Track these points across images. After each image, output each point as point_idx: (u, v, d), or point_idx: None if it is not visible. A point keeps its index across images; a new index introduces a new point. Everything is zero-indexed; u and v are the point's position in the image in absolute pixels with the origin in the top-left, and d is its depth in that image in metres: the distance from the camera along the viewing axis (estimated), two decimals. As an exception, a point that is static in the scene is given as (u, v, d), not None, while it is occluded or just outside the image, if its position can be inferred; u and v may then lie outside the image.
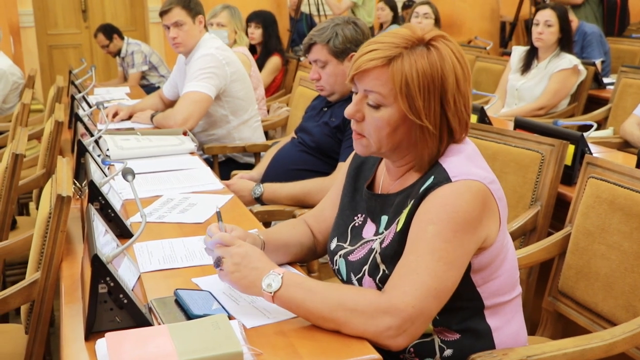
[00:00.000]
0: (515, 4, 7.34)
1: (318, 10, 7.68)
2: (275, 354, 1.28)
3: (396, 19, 7.04)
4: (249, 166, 3.49)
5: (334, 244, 1.62)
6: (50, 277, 1.80)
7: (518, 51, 4.33)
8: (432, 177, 1.42)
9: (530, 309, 2.09)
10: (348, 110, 1.48)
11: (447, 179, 1.39)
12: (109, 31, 6.44)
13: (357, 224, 1.59)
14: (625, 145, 3.25)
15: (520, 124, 2.72)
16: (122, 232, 1.91)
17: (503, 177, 2.24)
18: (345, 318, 1.32)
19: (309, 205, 2.49)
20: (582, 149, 2.40)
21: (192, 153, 2.93)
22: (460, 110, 1.43)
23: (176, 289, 1.50)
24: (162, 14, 3.44)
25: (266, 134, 4.03)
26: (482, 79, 4.83)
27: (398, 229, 1.43)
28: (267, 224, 2.49)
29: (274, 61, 5.25)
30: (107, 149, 2.83)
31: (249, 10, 5.33)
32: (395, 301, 1.32)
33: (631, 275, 1.78)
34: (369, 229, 1.55)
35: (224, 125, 3.54)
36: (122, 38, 6.46)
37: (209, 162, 3.38)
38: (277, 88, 5.32)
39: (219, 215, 1.55)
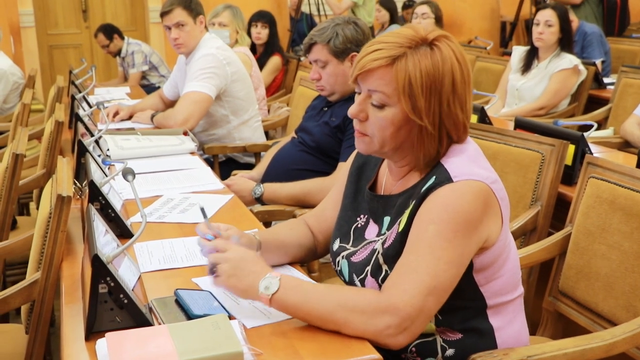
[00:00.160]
0: (516, 3, 7.34)
1: (318, 10, 7.68)
2: (275, 354, 1.28)
3: (394, 20, 7.04)
4: (249, 166, 3.49)
5: (336, 245, 1.62)
6: (51, 277, 1.80)
7: (518, 51, 4.33)
8: (434, 177, 1.41)
9: (530, 309, 2.09)
10: (352, 110, 1.47)
11: (448, 179, 1.39)
12: (109, 31, 6.45)
13: (359, 225, 1.59)
14: (625, 145, 3.25)
15: (520, 124, 2.72)
16: (123, 232, 1.91)
17: (503, 177, 2.23)
18: (345, 319, 1.32)
19: (309, 205, 2.49)
20: (582, 149, 2.40)
21: (192, 153, 2.93)
22: (455, 113, 1.42)
23: (176, 289, 1.50)
24: (163, 14, 3.44)
25: (266, 134, 4.03)
26: (482, 79, 4.82)
27: (400, 230, 1.43)
28: (267, 224, 2.49)
29: (275, 61, 5.26)
30: (108, 149, 2.83)
31: (250, 10, 5.34)
32: (394, 300, 1.32)
33: (631, 275, 1.77)
34: (371, 230, 1.55)
35: (225, 125, 3.54)
36: (122, 38, 6.46)
37: (209, 162, 3.38)
38: (277, 88, 5.33)
39: (203, 212, 1.53)
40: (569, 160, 2.35)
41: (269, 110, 4.50)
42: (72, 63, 6.69)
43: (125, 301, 1.36)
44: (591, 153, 2.39)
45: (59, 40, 7.90)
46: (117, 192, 2.18)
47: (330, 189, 1.79)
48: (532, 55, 4.21)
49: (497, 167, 2.26)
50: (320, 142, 2.63)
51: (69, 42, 7.93)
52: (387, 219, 1.51)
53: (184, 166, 2.71)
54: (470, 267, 1.42)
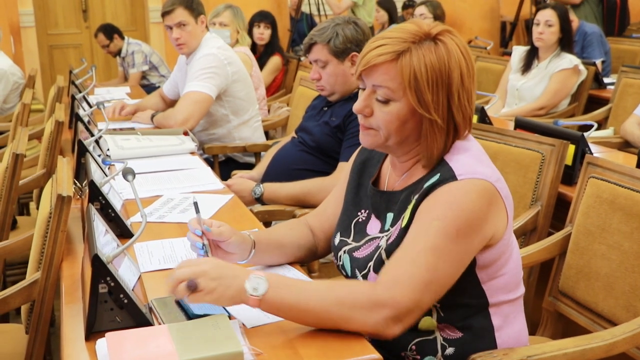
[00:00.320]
0: (516, 3, 7.34)
1: (318, 10, 7.68)
2: (275, 354, 1.28)
3: (393, 20, 7.04)
4: (249, 166, 3.49)
5: (337, 239, 1.62)
6: (51, 277, 1.80)
7: (518, 51, 4.33)
8: (438, 174, 1.42)
9: (530, 309, 2.09)
10: (356, 106, 1.48)
11: (453, 177, 1.39)
12: (110, 31, 6.44)
13: (360, 220, 1.59)
14: (625, 145, 3.25)
15: (520, 124, 2.72)
16: (123, 232, 1.91)
17: (503, 177, 2.21)
18: (343, 315, 1.31)
19: (309, 205, 2.49)
20: (582, 149, 2.40)
21: (192, 153, 2.93)
22: (464, 105, 1.43)
23: (176, 289, 1.49)
24: (165, 14, 3.43)
25: (266, 133, 4.03)
26: (482, 78, 4.82)
27: (403, 226, 1.43)
28: (267, 224, 2.49)
29: (275, 61, 5.26)
30: (108, 149, 2.83)
31: (250, 10, 5.34)
32: (392, 293, 1.32)
33: (631, 275, 1.77)
34: (373, 225, 1.55)
35: (225, 125, 3.54)
36: (122, 38, 6.46)
37: (209, 162, 3.38)
38: (277, 88, 5.33)
39: (196, 207, 1.52)
40: (569, 160, 2.35)
41: (269, 110, 4.50)
42: (72, 63, 6.69)
43: (125, 301, 1.36)
44: (591, 153, 2.39)
45: (59, 40, 7.90)
46: (117, 192, 2.18)
47: (330, 189, 1.79)
48: (532, 55, 4.21)
49: (497, 167, 2.23)
50: (321, 142, 2.63)
51: (69, 42, 7.93)
52: (390, 215, 1.51)
53: (184, 166, 2.71)
54: (473, 263, 1.42)
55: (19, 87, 4.98)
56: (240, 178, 2.79)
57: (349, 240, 1.58)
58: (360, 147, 1.69)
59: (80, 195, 2.27)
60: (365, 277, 1.49)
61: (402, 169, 1.53)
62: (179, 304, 1.46)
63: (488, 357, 1.40)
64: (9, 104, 4.96)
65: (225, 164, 3.58)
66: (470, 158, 1.44)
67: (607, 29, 6.40)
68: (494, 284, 1.47)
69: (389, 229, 1.50)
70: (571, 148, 2.36)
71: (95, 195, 1.88)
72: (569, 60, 4.06)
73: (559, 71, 4.07)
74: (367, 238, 1.54)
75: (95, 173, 2.04)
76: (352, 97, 2.55)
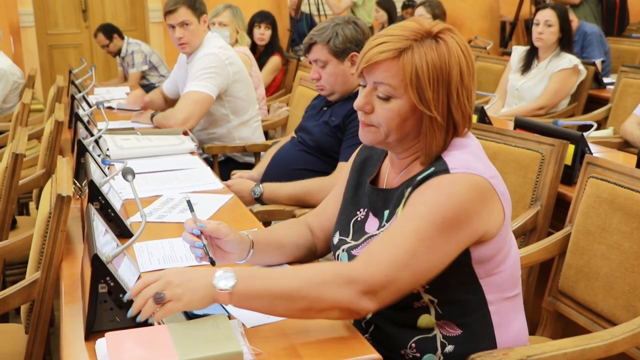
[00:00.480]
0: (515, 3, 7.34)
1: (318, 10, 7.68)
2: (275, 354, 1.28)
3: (392, 20, 7.04)
4: (249, 166, 3.49)
5: (336, 238, 1.62)
6: (50, 276, 1.80)
7: (518, 51, 4.33)
8: (432, 168, 1.43)
9: (530, 308, 2.08)
10: (357, 103, 1.48)
11: (445, 170, 1.40)
12: (109, 31, 6.44)
13: (359, 219, 1.59)
14: (625, 145, 3.25)
15: (520, 124, 2.72)
16: (122, 232, 1.91)
17: (503, 176, 2.21)
18: (315, 293, 1.30)
19: (309, 205, 2.49)
20: (582, 149, 2.40)
21: (192, 153, 2.93)
22: (463, 103, 1.44)
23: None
24: (168, 13, 3.42)
25: (266, 133, 4.03)
26: (482, 78, 4.82)
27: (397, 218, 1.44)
28: (267, 224, 2.49)
29: (274, 61, 5.26)
30: (107, 149, 2.83)
31: (250, 10, 5.35)
32: (367, 268, 1.33)
33: (631, 275, 1.78)
34: (371, 224, 1.56)
35: (225, 125, 3.54)
36: (122, 38, 6.46)
37: (209, 162, 3.38)
38: (277, 88, 5.33)
39: (189, 205, 1.52)
40: (568, 160, 2.35)
41: (268, 110, 4.50)
42: (71, 63, 6.68)
43: (125, 301, 1.36)
44: (591, 153, 2.39)
45: (59, 40, 7.89)
46: (116, 191, 2.18)
47: (330, 189, 1.79)
48: (531, 55, 4.21)
49: (497, 167, 2.24)
50: (320, 141, 2.63)
51: (68, 42, 7.93)
52: (387, 212, 1.52)
53: (184, 166, 2.71)
54: (469, 258, 1.43)
55: (19, 87, 4.98)
56: (239, 178, 2.79)
57: (348, 239, 1.59)
58: (360, 146, 1.69)
59: (79, 195, 2.27)
60: None
61: (401, 166, 1.54)
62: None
63: (487, 357, 1.40)
64: (9, 104, 4.96)
65: (224, 164, 3.58)
66: (466, 154, 1.44)
67: (607, 28, 6.40)
68: (492, 280, 1.47)
69: (384, 225, 1.50)
70: (571, 148, 2.36)
71: (95, 195, 1.88)
72: (569, 60, 4.06)
73: (559, 71, 4.07)
74: (365, 236, 1.54)
75: (95, 173, 2.04)
76: (352, 96, 2.54)
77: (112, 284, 1.35)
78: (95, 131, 2.78)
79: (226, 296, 1.29)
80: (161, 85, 4.07)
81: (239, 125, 3.56)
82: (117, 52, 6.47)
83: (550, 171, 2.19)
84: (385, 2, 7.20)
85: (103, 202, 1.89)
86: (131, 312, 1.30)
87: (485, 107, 3.16)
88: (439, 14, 5.42)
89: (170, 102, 3.82)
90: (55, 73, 7.01)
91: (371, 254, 1.36)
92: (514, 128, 2.70)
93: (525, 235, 2.21)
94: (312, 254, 1.74)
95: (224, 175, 3.08)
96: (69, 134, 3.47)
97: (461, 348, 1.46)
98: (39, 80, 7.04)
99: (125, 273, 1.48)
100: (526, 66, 4.20)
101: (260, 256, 1.63)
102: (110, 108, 4.03)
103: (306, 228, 1.74)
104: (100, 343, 1.30)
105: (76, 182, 2.28)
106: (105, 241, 1.54)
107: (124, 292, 1.36)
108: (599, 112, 3.97)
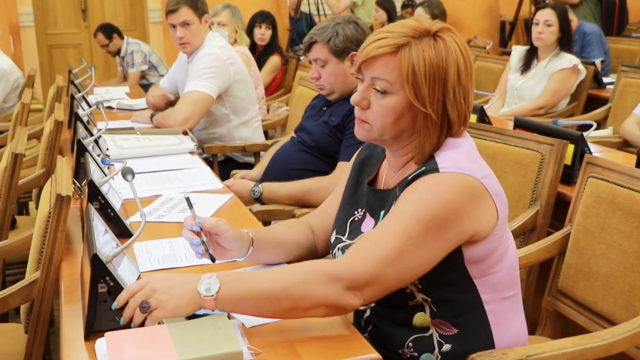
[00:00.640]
0: (515, 3, 7.34)
1: (318, 9, 7.68)
2: (275, 354, 1.28)
3: (392, 20, 7.05)
4: (249, 166, 3.49)
5: (333, 237, 1.63)
6: (50, 276, 1.80)
7: (518, 51, 4.33)
8: (423, 167, 1.44)
9: (529, 308, 2.09)
10: (354, 98, 1.49)
11: (435, 169, 1.41)
12: (109, 31, 6.44)
13: (356, 219, 1.60)
14: (625, 145, 3.25)
15: (520, 124, 2.72)
16: (122, 232, 1.91)
17: (503, 176, 2.24)
18: (299, 291, 1.31)
19: (309, 205, 2.49)
20: (581, 149, 2.40)
21: (191, 152, 2.93)
22: (460, 103, 1.44)
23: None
24: (169, 13, 3.42)
25: (266, 133, 4.03)
26: (481, 78, 4.83)
27: None
28: (266, 224, 2.49)
29: (274, 61, 5.26)
30: (107, 149, 2.83)
31: (250, 10, 5.35)
32: (351, 265, 1.33)
33: (631, 274, 1.78)
34: (367, 224, 1.56)
35: (225, 124, 3.54)
36: (121, 37, 6.45)
37: (209, 162, 3.38)
38: (276, 87, 5.33)
39: (188, 202, 1.52)
40: (568, 160, 2.35)
41: (268, 110, 4.50)
42: (71, 63, 6.68)
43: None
44: (590, 153, 2.39)
45: (59, 39, 7.89)
46: (116, 191, 2.18)
47: (330, 189, 1.80)
48: (531, 55, 4.21)
49: (497, 166, 2.26)
50: (320, 141, 2.63)
51: (68, 42, 7.93)
52: (383, 213, 1.52)
53: (184, 166, 2.71)
54: (461, 258, 1.43)
55: (19, 87, 4.98)
56: (239, 178, 2.79)
57: (344, 238, 1.59)
58: (361, 145, 1.70)
59: (79, 194, 2.27)
60: None
61: (397, 165, 1.54)
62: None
63: (487, 357, 1.40)
64: (9, 104, 4.96)
65: (224, 164, 3.58)
66: (457, 154, 1.44)
67: (606, 28, 6.41)
68: (487, 280, 1.47)
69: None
70: (570, 148, 2.36)
71: (95, 194, 1.88)
72: (568, 59, 4.06)
73: (558, 71, 4.07)
74: (361, 236, 1.54)
75: (95, 173, 2.04)
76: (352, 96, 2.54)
77: (111, 283, 1.35)
78: (94, 131, 2.78)
79: (211, 302, 1.30)
80: (157, 83, 4.06)
81: (240, 125, 3.56)
82: (117, 52, 6.47)
83: (549, 171, 2.19)
84: (384, 2, 7.20)
85: (103, 201, 1.89)
86: (122, 321, 1.33)
87: (485, 107, 3.16)
88: (438, 14, 5.42)
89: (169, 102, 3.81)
90: (54, 73, 7.01)
91: (357, 251, 1.37)
92: (514, 128, 2.70)
93: (524, 235, 2.21)
94: (312, 253, 1.74)
95: (224, 175, 3.08)
96: (68, 134, 3.47)
97: (458, 347, 1.46)
98: (39, 80, 7.04)
99: (125, 273, 1.48)
100: (526, 66, 4.21)
101: (260, 254, 1.63)
102: (109, 108, 4.05)
103: (307, 228, 1.74)
104: (100, 343, 1.30)
105: (76, 181, 2.28)
106: (104, 241, 1.54)
107: (124, 292, 1.36)
108: (598, 111, 3.97)
